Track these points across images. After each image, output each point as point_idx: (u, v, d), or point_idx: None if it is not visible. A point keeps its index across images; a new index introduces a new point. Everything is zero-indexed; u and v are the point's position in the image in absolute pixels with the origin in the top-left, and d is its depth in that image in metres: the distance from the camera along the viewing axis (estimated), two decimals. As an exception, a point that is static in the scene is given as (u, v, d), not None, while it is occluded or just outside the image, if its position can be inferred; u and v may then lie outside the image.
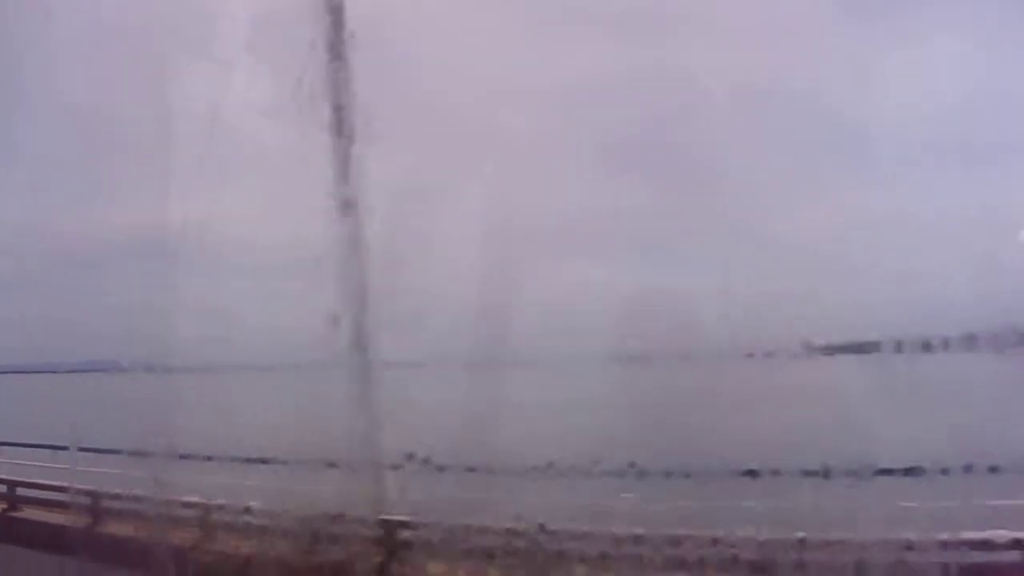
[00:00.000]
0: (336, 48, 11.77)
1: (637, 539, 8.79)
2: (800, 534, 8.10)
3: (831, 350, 9.80)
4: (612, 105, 16.30)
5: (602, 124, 16.39)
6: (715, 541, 8.41)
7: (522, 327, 13.34)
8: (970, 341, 8.19)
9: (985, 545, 7.60)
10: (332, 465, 11.42)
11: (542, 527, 9.41)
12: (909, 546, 7.67)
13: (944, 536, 7.59)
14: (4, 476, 14.18)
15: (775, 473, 8.46)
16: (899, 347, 8.29)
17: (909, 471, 7.74)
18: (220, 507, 11.45)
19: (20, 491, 13.88)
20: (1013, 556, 7.67)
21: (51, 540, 12.36)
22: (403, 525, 10.46)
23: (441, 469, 10.50)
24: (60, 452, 13.81)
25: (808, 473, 8.42)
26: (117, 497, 12.38)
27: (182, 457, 12.70)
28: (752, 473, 8.46)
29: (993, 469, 7.64)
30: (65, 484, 12.91)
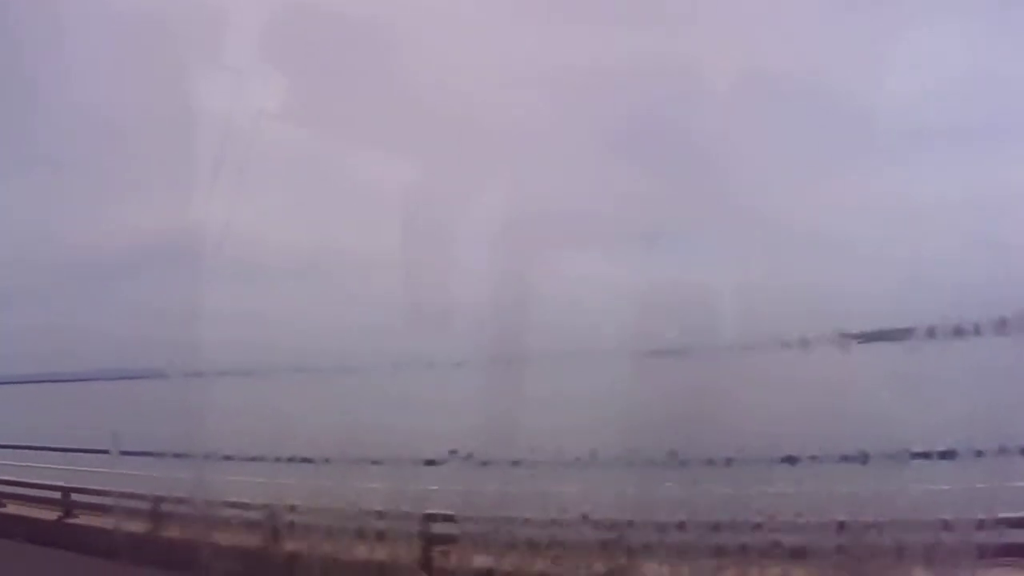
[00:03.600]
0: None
1: (680, 526, 9.00)
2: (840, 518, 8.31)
3: (857, 338, 9.71)
4: (616, 91, 16.33)
5: (606, 111, 16.46)
6: (757, 527, 8.65)
7: (537, 323, 13.42)
8: (1001, 325, 8.11)
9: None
10: (375, 463, 11.64)
11: (585, 517, 9.65)
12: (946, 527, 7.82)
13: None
14: (59, 483, 14.40)
15: (813, 458, 8.58)
16: (931, 333, 8.18)
17: (944, 454, 7.87)
18: (266, 507, 11.76)
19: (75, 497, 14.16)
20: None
21: (106, 545, 12.65)
22: (447, 519, 10.64)
23: (485, 464, 10.68)
24: (108, 457, 14.05)
25: (846, 458, 8.51)
26: (167, 501, 12.67)
27: (226, 458, 13.05)
28: (791, 459, 8.62)
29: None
30: (117, 489, 13.20)
